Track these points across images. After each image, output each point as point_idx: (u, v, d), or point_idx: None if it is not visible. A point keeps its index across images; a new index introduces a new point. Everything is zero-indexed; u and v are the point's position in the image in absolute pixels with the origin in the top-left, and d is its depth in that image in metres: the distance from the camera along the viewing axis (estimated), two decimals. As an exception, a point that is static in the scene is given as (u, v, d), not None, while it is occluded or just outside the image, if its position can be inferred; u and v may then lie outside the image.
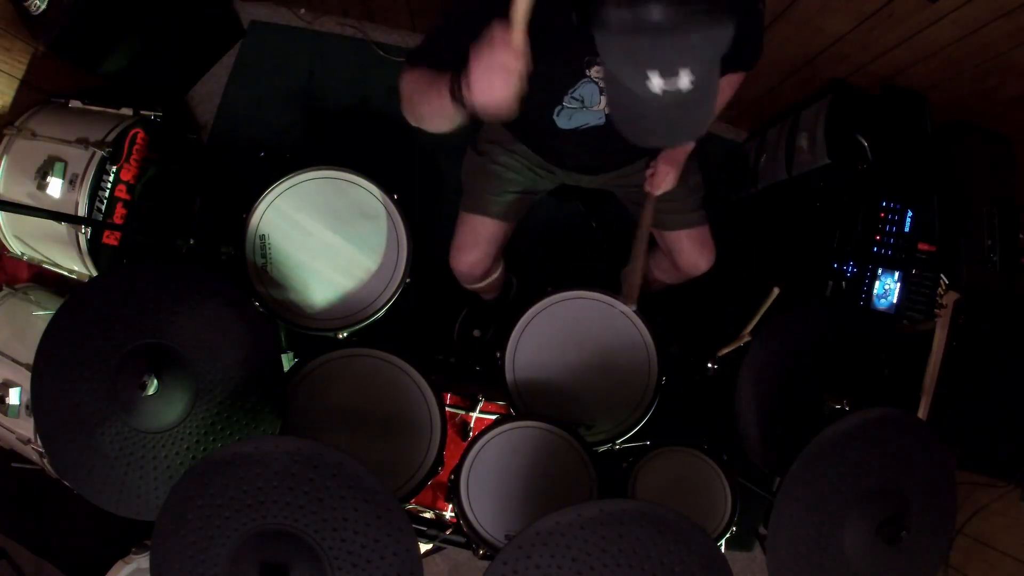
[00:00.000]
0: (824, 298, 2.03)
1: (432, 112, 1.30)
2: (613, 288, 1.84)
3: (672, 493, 1.84)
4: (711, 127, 1.67)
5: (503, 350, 1.80)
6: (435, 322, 2.47)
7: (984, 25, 1.73)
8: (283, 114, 2.72)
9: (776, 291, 1.60)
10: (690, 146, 1.63)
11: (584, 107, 1.46)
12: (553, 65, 1.36)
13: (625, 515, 1.13)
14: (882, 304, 1.97)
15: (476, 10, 1.16)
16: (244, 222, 1.79)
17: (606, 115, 1.48)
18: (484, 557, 1.67)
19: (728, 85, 1.58)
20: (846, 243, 2.02)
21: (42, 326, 1.39)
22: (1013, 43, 1.75)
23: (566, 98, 1.45)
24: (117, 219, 2.03)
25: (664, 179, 1.65)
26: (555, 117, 1.50)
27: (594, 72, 1.37)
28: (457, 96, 1.18)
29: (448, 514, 1.88)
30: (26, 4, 1.89)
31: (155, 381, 1.32)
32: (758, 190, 2.37)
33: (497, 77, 1.09)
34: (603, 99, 1.43)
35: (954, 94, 2.02)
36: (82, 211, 1.91)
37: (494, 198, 1.80)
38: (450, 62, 1.20)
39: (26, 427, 1.89)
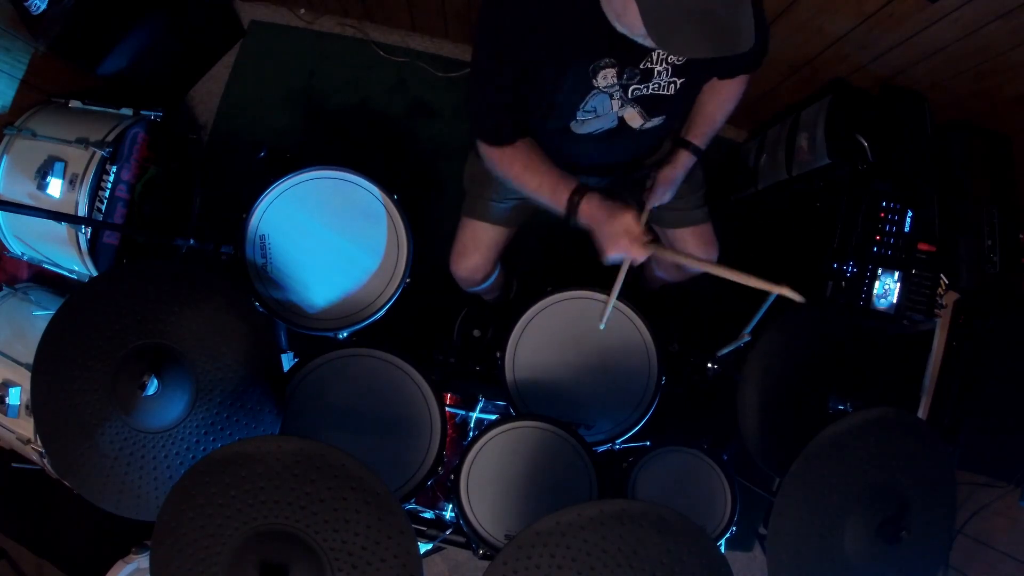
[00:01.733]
0: (824, 298, 2.03)
1: (540, 202, 1.51)
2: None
3: (672, 493, 1.84)
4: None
5: (503, 350, 1.80)
6: (435, 322, 2.47)
7: (984, 25, 1.73)
8: (283, 114, 2.73)
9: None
10: (689, 163, 1.61)
11: (597, 115, 1.47)
12: (562, 89, 1.38)
13: (625, 515, 1.12)
14: (882, 304, 1.97)
15: (509, 50, 1.29)
16: (244, 222, 1.79)
17: (618, 117, 1.48)
18: (484, 557, 1.67)
19: (736, 87, 1.57)
20: (846, 243, 2.01)
21: (42, 326, 1.39)
22: (1013, 43, 1.75)
23: (579, 112, 1.45)
24: (117, 219, 2.03)
25: (661, 195, 1.63)
26: (570, 124, 1.50)
27: (601, 80, 1.37)
28: (572, 222, 1.46)
29: (448, 514, 1.88)
30: (26, 4, 1.89)
31: (155, 381, 1.31)
32: (758, 190, 2.37)
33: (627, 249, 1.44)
34: (614, 103, 1.43)
35: (954, 94, 2.02)
36: (82, 211, 1.91)
37: (496, 204, 1.79)
38: (515, 109, 1.39)
39: (26, 427, 1.89)
